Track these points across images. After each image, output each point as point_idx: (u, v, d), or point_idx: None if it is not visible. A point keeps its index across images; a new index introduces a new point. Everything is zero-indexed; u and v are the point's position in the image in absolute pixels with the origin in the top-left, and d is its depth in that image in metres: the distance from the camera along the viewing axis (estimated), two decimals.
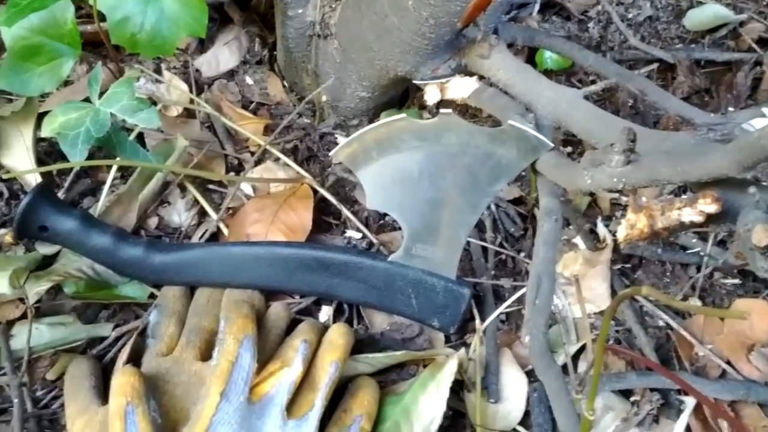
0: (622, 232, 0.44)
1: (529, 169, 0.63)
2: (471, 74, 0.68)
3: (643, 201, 0.43)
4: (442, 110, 0.61)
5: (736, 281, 0.76)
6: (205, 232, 0.76)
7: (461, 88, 0.68)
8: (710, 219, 0.42)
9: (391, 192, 0.65)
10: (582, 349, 0.71)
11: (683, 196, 0.43)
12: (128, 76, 0.72)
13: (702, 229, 0.76)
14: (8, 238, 0.70)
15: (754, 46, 0.91)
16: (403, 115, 0.63)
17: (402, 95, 0.86)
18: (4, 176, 0.75)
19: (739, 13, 0.92)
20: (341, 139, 0.83)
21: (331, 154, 0.65)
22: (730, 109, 0.84)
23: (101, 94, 0.71)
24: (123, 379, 0.58)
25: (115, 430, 0.56)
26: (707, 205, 0.41)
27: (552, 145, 0.60)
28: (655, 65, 0.89)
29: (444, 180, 0.63)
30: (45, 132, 0.70)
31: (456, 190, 0.63)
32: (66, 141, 0.69)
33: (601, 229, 0.76)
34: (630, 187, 0.48)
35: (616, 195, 0.79)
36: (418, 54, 0.67)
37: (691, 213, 0.41)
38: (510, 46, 0.71)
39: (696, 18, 0.91)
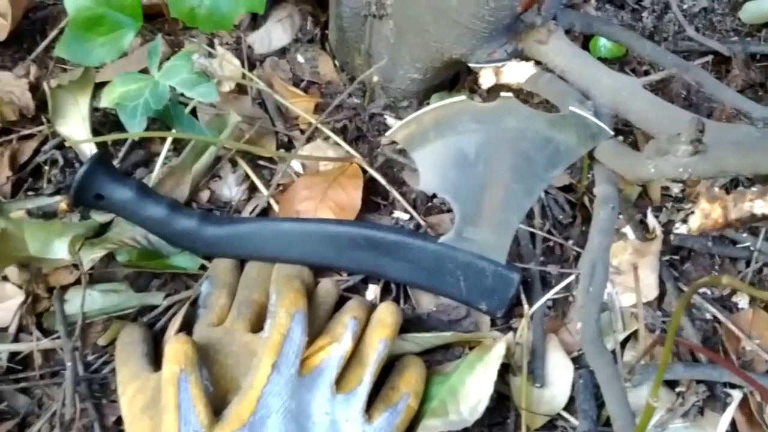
0: (696, 221, 0.44)
1: (582, 156, 0.63)
2: (527, 59, 0.68)
3: (716, 192, 0.43)
4: (502, 93, 0.61)
5: None
6: (255, 207, 0.76)
7: (517, 72, 0.68)
8: None
9: (446, 174, 0.65)
10: (627, 338, 0.71)
11: (753, 189, 0.43)
12: (187, 49, 0.73)
13: (754, 224, 0.76)
14: (64, 206, 0.71)
15: None
16: (463, 97, 0.63)
17: (453, 78, 0.86)
18: (68, 144, 0.77)
19: None
20: (390, 120, 0.84)
21: (387, 134, 0.66)
22: None
23: (158, 66, 0.72)
24: (177, 347, 0.59)
25: (168, 396, 0.58)
26: None
27: (612, 132, 0.60)
28: (709, 57, 0.88)
29: (500, 164, 0.63)
30: (104, 102, 0.72)
31: (512, 174, 0.63)
32: (125, 112, 0.70)
33: (651, 220, 0.76)
34: (695, 177, 0.48)
35: (666, 186, 0.79)
36: (475, 37, 0.67)
37: (763, 205, 0.42)
38: (567, 32, 0.70)
39: (752, 11, 0.90)
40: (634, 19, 0.92)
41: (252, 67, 0.88)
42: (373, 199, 0.78)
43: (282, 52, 0.89)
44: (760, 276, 0.75)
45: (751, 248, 0.75)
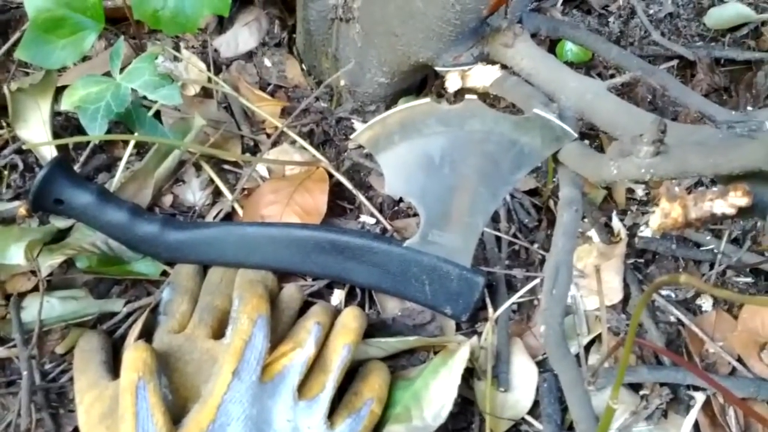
0: (656, 221, 0.44)
1: (547, 160, 0.63)
2: (493, 63, 0.68)
3: (676, 191, 0.43)
4: (467, 96, 0.61)
5: (749, 280, 0.76)
6: (219, 212, 0.75)
7: (483, 76, 0.68)
8: (740, 212, 0.42)
9: (411, 177, 0.65)
10: (592, 341, 0.71)
11: (713, 188, 0.43)
12: (150, 51, 0.72)
13: (717, 227, 0.76)
14: (22, 211, 0.69)
15: None
16: (428, 99, 0.62)
17: (420, 83, 0.85)
18: (24, 147, 0.75)
19: (761, 12, 0.91)
20: (358, 125, 0.83)
21: (352, 136, 0.65)
22: (749, 108, 0.84)
23: (121, 69, 0.71)
24: (135, 354, 0.58)
25: (125, 404, 0.56)
26: (738, 198, 0.41)
27: (576, 135, 0.59)
28: (674, 62, 0.89)
29: (465, 166, 0.63)
30: (65, 105, 0.70)
31: (477, 177, 0.63)
32: (86, 115, 0.69)
33: (616, 223, 0.76)
34: (658, 178, 0.48)
35: (631, 189, 0.79)
36: (442, 40, 0.67)
37: (723, 205, 0.41)
38: (533, 36, 0.70)
39: (717, 16, 0.91)
40: (601, 24, 0.92)
41: (218, 70, 0.87)
42: (340, 203, 0.78)
43: (249, 55, 0.89)
44: (724, 278, 0.76)
45: (715, 251, 0.75)
